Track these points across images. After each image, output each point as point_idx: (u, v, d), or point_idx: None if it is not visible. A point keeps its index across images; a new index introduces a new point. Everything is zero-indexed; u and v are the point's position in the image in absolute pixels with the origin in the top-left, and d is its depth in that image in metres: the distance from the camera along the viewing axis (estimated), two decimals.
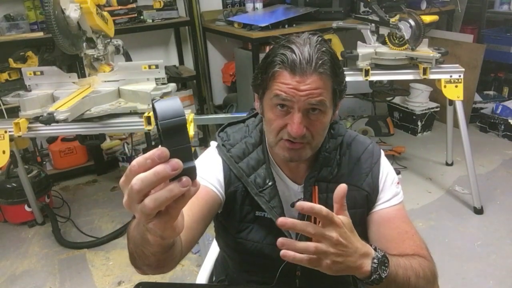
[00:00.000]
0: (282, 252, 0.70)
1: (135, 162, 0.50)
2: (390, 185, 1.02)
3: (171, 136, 0.50)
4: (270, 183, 0.99)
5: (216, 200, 0.98)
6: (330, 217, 0.71)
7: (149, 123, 1.93)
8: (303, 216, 0.99)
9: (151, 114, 1.91)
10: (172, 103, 0.50)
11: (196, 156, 1.11)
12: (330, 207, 0.99)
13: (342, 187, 0.74)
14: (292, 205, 1.01)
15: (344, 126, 1.07)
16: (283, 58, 0.87)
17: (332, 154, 1.01)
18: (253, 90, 0.98)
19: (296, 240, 0.71)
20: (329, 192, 1.00)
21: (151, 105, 0.49)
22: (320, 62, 0.86)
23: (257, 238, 1.01)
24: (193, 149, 2.04)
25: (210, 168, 1.01)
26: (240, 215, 1.02)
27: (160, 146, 0.51)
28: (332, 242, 0.71)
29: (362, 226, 1.01)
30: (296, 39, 0.89)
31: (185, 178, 0.50)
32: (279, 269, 1.00)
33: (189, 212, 0.88)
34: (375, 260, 0.77)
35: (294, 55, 0.86)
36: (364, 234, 1.01)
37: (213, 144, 1.07)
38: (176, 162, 0.49)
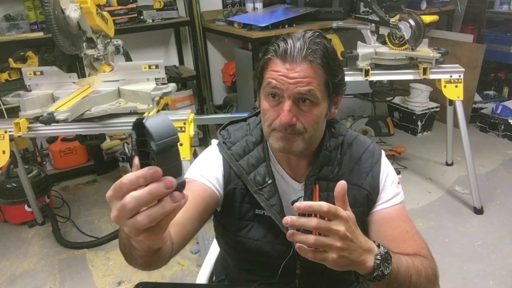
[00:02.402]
0: (296, 245, 0.72)
1: (126, 180, 0.50)
2: (391, 185, 1.02)
3: (165, 155, 0.50)
4: (269, 181, 1.00)
5: (213, 197, 0.98)
6: (334, 212, 0.71)
7: None
8: (303, 213, 0.99)
9: (152, 114, 1.91)
10: (163, 122, 0.49)
11: (195, 156, 1.12)
12: None
13: (341, 184, 0.74)
14: (293, 203, 1.02)
15: (345, 126, 1.08)
16: (276, 47, 0.90)
17: (333, 153, 1.01)
18: (253, 83, 0.99)
19: (299, 232, 0.72)
20: (330, 190, 1.00)
21: (132, 125, 0.49)
22: (310, 51, 0.88)
23: (256, 236, 1.01)
24: (192, 149, 2.04)
25: (209, 166, 1.01)
26: (239, 213, 1.02)
27: (134, 157, 0.52)
28: (339, 236, 0.71)
29: (362, 225, 1.00)
30: (293, 33, 0.92)
31: (176, 194, 0.51)
32: (279, 268, 1.01)
33: (184, 209, 0.88)
34: (378, 257, 0.77)
35: (286, 45, 0.89)
36: (364, 233, 1.01)
37: (214, 142, 1.08)
38: (170, 180, 0.50)
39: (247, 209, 1.02)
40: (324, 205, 0.70)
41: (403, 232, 0.96)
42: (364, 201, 1.01)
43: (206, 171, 1.00)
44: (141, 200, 0.49)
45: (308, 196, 0.99)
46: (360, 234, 0.76)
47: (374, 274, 0.76)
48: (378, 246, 0.79)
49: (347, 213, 0.73)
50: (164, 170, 0.50)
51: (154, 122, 0.49)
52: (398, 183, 1.04)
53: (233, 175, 1.01)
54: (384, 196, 1.01)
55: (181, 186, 0.52)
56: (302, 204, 0.69)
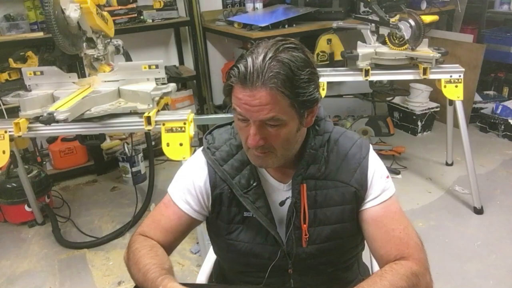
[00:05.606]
0: None
1: None
2: (379, 179, 1.00)
3: None
4: (254, 184, 1.00)
5: (193, 221, 1.05)
6: None
7: (149, 123, 1.93)
8: (292, 213, 0.99)
9: (152, 114, 1.91)
10: None
11: None
12: (319, 204, 0.99)
13: None
14: (281, 203, 1.01)
15: (331, 122, 1.05)
16: (236, 71, 0.85)
17: (319, 151, 1.00)
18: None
19: None
20: (318, 189, 0.99)
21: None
22: (270, 75, 0.82)
23: (247, 239, 1.02)
24: (192, 149, 2.04)
25: (192, 178, 1.04)
26: (228, 217, 1.03)
27: None
28: None
29: (351, 222, 1.01)
30: (257, 48, 0.86)
31: None
32: (273, 268, 1.02)
33: (167, 220, 1.03)
34: None
35: (246, 68, 0.83)
36: (353, 229, 1.02)
37: (199, 150, 1.09)
38: None
39: (235, 213, 1.02)
40: None
41: (388, 231, 0.96)
42: (352, 198, 0.99)
43: (189, 187, 1.04)
44: None
45: (296, 196, 0.99)
46: None
47: None
48: None
49: None
50: None
51: None
52: (387, 177, 1.02)
53: (218, 179, 1.02)
54: (372, 192, 1.00)
55: None
56: None
